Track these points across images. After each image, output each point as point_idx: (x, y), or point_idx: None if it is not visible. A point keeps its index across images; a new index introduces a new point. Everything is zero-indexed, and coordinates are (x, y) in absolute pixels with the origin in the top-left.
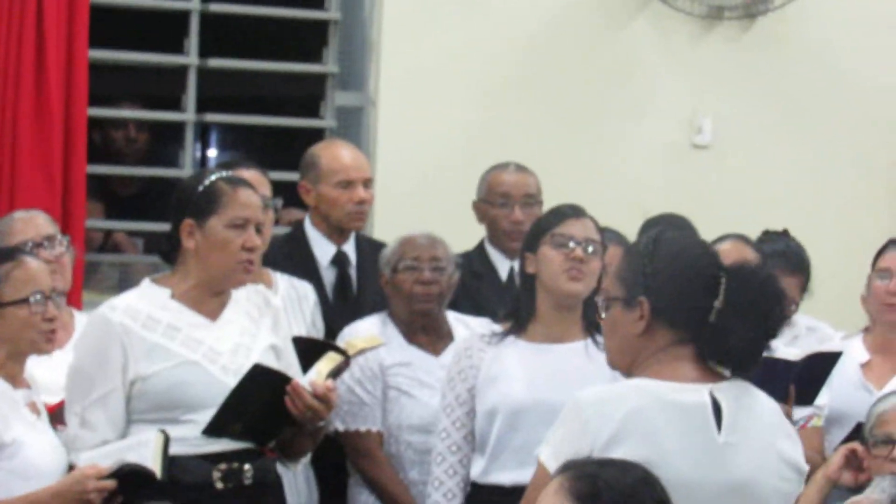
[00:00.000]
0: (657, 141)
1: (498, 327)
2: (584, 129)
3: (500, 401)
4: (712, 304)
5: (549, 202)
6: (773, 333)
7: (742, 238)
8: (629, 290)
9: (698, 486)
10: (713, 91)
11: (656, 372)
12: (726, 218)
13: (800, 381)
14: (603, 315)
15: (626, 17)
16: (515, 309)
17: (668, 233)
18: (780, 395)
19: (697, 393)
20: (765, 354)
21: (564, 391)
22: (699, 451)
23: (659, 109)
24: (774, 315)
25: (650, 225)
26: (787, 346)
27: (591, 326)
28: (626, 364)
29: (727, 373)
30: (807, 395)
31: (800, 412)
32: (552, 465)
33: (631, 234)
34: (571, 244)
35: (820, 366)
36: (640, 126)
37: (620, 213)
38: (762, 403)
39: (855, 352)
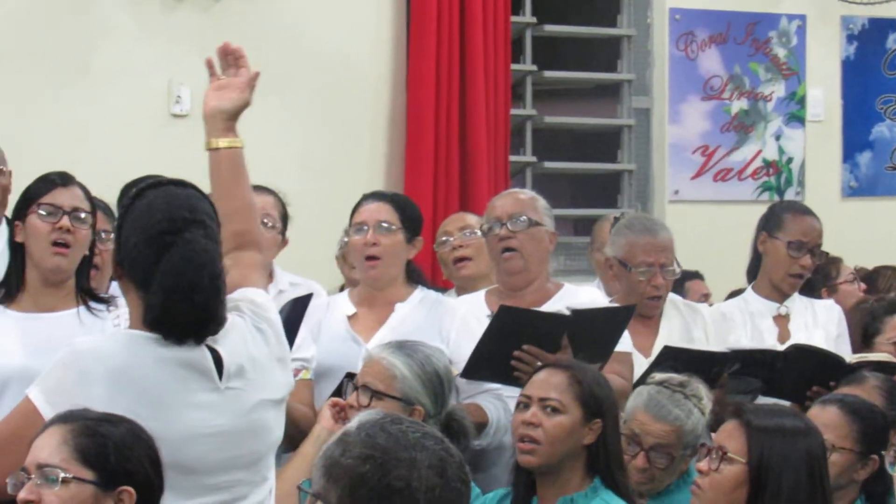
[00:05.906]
0: (136, 110)
1: None
2: (62, 98)
3: None
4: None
5: (36, 170)
6: (208, 303)
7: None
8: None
9: (207, 435)
10: (189, 60)
11: (148, 326)
12: None
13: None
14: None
15: None
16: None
17: (161, 189)
18: None
19: (193, 349)
20: None
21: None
22: (202, 401)
23: (135, 79)
24: (202, 284)
25: None
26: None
27: (83, 293)
28: None
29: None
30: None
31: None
32: (45, 409)
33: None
34: (60, 213)
35: (298, 313)
36: (117, 96)
37: (104, 182)
38: (256, 344)
39: (342, 305)
